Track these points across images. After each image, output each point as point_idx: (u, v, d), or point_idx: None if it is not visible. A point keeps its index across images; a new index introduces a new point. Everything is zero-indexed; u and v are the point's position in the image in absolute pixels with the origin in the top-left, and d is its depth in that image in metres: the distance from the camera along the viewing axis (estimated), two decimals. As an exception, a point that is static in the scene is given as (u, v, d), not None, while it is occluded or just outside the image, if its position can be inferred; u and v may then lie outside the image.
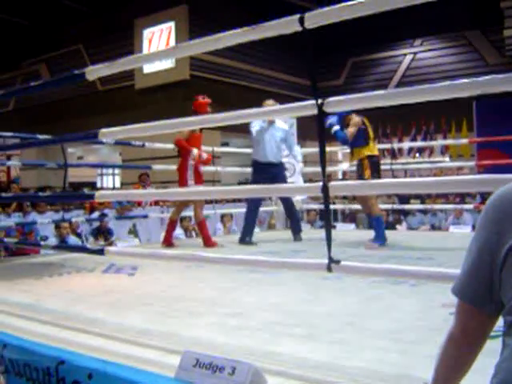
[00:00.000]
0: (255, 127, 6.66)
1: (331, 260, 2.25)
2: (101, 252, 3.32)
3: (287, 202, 7.01)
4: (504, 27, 13.92)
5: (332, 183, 2.33)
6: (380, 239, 5.82)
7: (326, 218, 2.49)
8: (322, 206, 7.32)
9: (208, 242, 6.28)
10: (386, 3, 2.19)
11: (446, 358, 1.32)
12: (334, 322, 2.77)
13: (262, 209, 8.45)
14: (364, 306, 3.15)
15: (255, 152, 6.76)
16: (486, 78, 1.99)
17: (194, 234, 8.68)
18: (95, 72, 3.38)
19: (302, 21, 2.27)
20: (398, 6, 2.13)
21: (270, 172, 6.51)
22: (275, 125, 6.73)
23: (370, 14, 2.21)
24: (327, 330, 2.60)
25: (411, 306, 3.09)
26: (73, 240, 7.53)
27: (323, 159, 2.35)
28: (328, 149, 7.50)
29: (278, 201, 8.18)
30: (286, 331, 2.59)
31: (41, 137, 5.52)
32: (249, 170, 8.33)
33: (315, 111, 2.32)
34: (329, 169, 10.53)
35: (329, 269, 2.26)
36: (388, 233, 5.98)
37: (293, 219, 7.12)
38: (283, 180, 6.62)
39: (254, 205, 6.78)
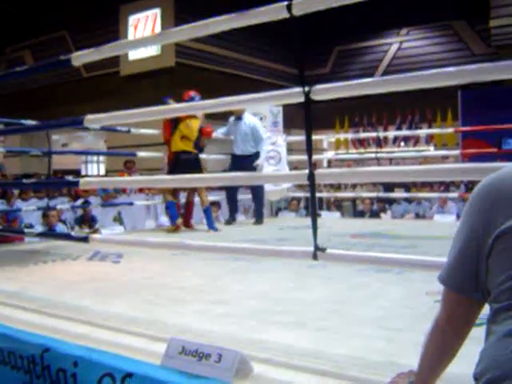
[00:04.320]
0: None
1: (317, 248, 2.25)
2: (85, 240, 3.31)
3: (255, 190, 7.51)
4: (490, 17, 13.99)
5: (318, 171, 2.33)
6: (173, 222, 6.64)
7: (312, 206, 2.50)
8: (307, 194, 7.40)
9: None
10: (374, -9, 2.18)
11: (431, 346, 1.33)
12: (321, 309, 2.77)
13: (247, 197, 8.59)
14: (350, 294, 3.16)
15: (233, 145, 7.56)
16: (472, 66, 2.00)
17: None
18: (82, 58, 3.35)
19: (289, 8, 2.26)
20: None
21: (239, 162, 7.23)
22: (244, 120, 7.38)
23: (357, 1, 2.20)
24: (314, 318, 2.60)
25: (397, 293, 3.11)
26: (61, 228, 7.47)
27: (310, 147, 2.34)
28: (313, 137, 7.57)
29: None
30: (273, 319, 2.60)
31: (26, 122, 5.45)
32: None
33: (302, 99, 2.31)
34: (314, 157, 10.54)
35: (314, 257, 2.26)
36: (373, 221, 6.03)
37: (256, 205, 7.72)
38: (249, 170, 6.89)
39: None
